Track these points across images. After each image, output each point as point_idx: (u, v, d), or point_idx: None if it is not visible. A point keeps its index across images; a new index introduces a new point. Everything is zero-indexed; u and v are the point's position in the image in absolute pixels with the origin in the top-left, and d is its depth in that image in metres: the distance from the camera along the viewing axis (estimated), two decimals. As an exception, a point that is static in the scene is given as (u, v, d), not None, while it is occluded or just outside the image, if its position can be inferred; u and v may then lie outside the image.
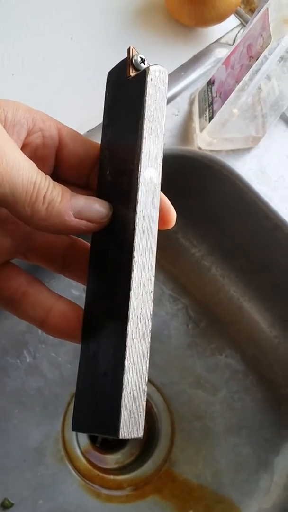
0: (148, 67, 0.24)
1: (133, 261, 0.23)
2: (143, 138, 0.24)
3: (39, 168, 0.24)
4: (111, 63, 0.51)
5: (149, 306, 0.24)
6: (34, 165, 0.23)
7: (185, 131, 0.51)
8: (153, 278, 0.24)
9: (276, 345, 0.60)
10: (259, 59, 0.43)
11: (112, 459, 0.56)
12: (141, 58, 0.25)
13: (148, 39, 0.54)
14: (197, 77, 0.53)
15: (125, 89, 0.26)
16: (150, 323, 0.24)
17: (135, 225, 0.24)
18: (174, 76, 0.52)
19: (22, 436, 0.53)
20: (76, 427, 0.26)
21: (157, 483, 0.55)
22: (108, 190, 0.26)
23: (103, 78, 0.51)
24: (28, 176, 0.22)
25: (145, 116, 0.24)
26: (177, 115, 0.51)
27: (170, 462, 0.56)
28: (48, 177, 0.23)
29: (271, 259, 0.56)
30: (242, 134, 0.50)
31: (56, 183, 0.24)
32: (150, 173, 0.24)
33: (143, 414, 0.23)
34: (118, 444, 0.57)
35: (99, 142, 0.27)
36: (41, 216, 0.23)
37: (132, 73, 0.25)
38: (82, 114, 0.49)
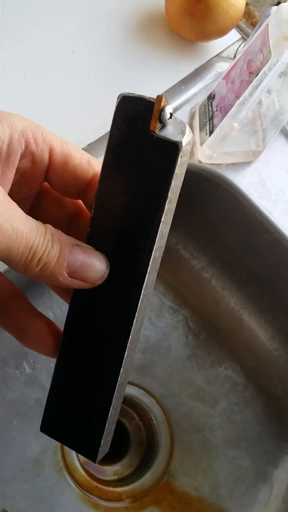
0: (181, 143, 0.22)
1: (132, 328, 0.24)
2: (160, 222, 0.23)
3: (27, 185, 0.24)
4: (112, 76, 0.52)
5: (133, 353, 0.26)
6: (35, 225, 0.22)
7: (185, 145, 0.51)
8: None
9: (276, 358, 0.59)
10: (259, 75, 0.43)
11: (111, 471, 0.56)
12: (171, 114, 0.22)
13: (149, 52, 0.54)
14: (197, 91, 0.53)
15: (145, 143, 0.23)
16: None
17: (139, 302, 0.24)
18: (175, 90, 0.53)
19: (20, 447, 0.53)
20: (48, 430, 0.26)
21: (156, 495, 0.55)
22: (106, 240, 0.24)
23: (104, 91, 0.51)
24: (25, 243, 0.22)
25: (168, 197, 0.23)
26: (178, 128, 0.51)
27: (169, 474, 0.56)
28: (48, 235, 0.22)
29: (271, 272, 0.56)
30: (242, 148, 0.51)
31: (57, 238, 0.23)
32: (159, 252, 0.24)
33: (112, 434, 0.25)
34: (117, 456, 0.57)
35: (97, 158, 0.26)
36: (34, 274, 0.22)
37: (158, 128, 0.22)
38: (83, 127, 0.50)
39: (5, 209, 0.21)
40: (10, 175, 0.24)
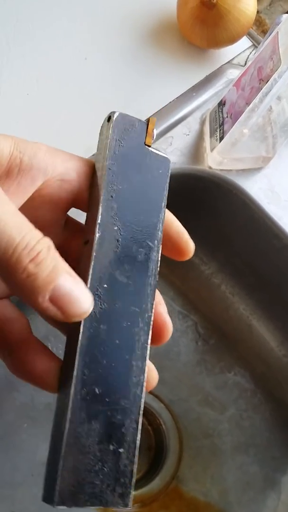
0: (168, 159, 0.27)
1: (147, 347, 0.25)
2: (162, 223, 0.26)
3: (53, 210, 0.24)
4: (124, 83, 0.53)
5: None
6: (25, 222, 0.21)
7: (195, 151, 0.51)
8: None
9: (285, 364, 0.59)
10: (269, 82, 0.44)
11: (119, 475, 0.56)
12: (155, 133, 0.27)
13: (161, 60, 0.55)
14: (208, 97, 0.53)
15: (142, 155, 0.26)
16: None
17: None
18: (186, 97, 0.53)
19: (30, 451, 0.53)
20: (66, 499, 0.23)
21: (164, 500, 0.55)
22: (113, 243, 0.25)
23: (116, 98, 0.52)
24: (8, 238, 0.20)
25: (165, 200, 0.26)
26: (188, 134, 0.52)
27: (177, 479, 0.56)
28: (43, 242, 0.21)
29: (281, 278, 0.56)
30: (252, 154, 0.51)
31: (53, 249, 0.21)
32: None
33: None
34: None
35: None
36: (15, 280, 0.21)
37: (151, 145, 0.27)
38: (94, 133, 0.50)
39: None
40: (28, 189, 0.24)
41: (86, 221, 0.26)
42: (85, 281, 0.23)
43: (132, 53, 0.54)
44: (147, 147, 0.26)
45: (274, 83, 0.44)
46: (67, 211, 0.27)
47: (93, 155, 0.49)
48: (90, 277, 0.24)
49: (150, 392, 0.58)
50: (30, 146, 0.24)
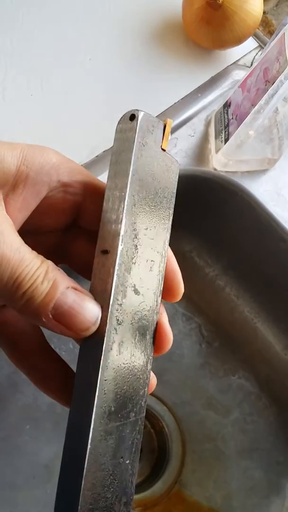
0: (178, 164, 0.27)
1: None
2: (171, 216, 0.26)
3: (54, 218, 0.23)
4: (129, 83, 0.52)
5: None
6: (27, 256, 0.21)
7: (200, 152, 0.51)
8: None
9: (290, 368, 0.59)
10: (275, 83, 0.43)
11: (122, 478, 0.56)
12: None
13: (166, 60, 0.54)
14: (213, 98, 0.53)
15: (157, 157, 0.25)
16: None
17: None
18: (191, 98, 0.53)
19: (32, 453, 0.53)
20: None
21: (166, 504, 0.55)
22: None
23: (120, 98, 0.52)
24: (10, 272, 0.21)
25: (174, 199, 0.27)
26: (193, 136, 0.52)
27: (180, 483, 0.55)
28: (41, 270, 0.21)
29: (286, 281, 0.55)
30: (257, 156, 0.50)
31: (52, 275, 0.22)
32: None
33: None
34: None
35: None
36: (19, 308, 0.21)
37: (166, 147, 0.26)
38: (99, 134, 0.50)
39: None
40: (32, 203, 0.24)
41: (101, 227, 0.24)
42: (107, 294, 0.23)
43: (137, 54, 0.54)
44: (162, 151, 0.25)
45: (280, 85, 0.44)
46: (69, 219, 0.26)
47: (96, 156, 0.49)
48: (112, 291, 0.23)
49: (153, 395, 0.57)
50: (38, 158, 0.23)
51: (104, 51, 0.54)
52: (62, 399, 0.25)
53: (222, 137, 0.49)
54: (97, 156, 0.49)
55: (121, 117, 0.25)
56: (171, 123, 0.26)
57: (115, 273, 0.23)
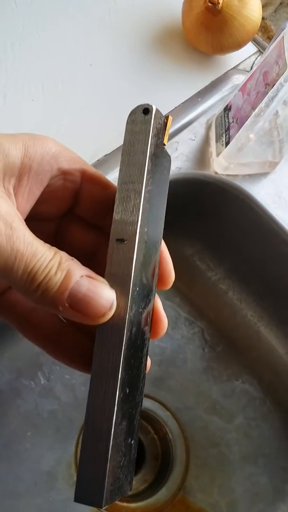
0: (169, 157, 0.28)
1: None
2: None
3: (55, 205, 0.24)
4: (129, 88, 0.53)
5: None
6: (40, 249, 0.22)
7: (201, 156, 0.51)
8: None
9: (294, 372, 0.58)
10: (274, 86, 0.43)
11: (125, 486, 0.55)
12: None
13: (166, 65, 0.55)
14: (214, 102, 0.53)
15: (160, 153, 0.26)
16: None
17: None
18: (192, 102, 0.53)
19: (34, 460, 0.53)
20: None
21: (171, 511, 0.54)
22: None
23: (121, 104, 0.52)
24: (24, 266, 0.21)
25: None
26: (194, 140, 0.52)
27: (184, 490, 0.55)
28: (54, 261, 0.22)
29: (289, 284, 0.55)
30: (258, 159, 0.50)
31: (66, 265, 0.22)
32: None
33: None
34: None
35: (113, 169, 0.28)
36: (35, 299, 0.22)
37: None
38: (100, 138, 0.50)
39: (9, 229, 0.21)
40: (37, 193, 0.25)
41: (116, 216, 0.24)
42: (126, 281, 0.23)
43: (137, 59, 0.55)
44: (163, 145, 0.26)
45: (280, 88, 0.44)
46: (68, 206, 0.27)
47: (98, 160, 0.49)
48: (132, 280, 0.23)
49: (156, 400, 0.57)
50: (39, 149, 0.24)
51: (105, 57, 0.54)
52: (80, 366, 0.26)
53: (223, 141, 0.49)
54: (98, 160, 0.49)
55: (132, 110, 0.25)
56: (171, 119, 0.27)
57: (134, 261, 0.23)
